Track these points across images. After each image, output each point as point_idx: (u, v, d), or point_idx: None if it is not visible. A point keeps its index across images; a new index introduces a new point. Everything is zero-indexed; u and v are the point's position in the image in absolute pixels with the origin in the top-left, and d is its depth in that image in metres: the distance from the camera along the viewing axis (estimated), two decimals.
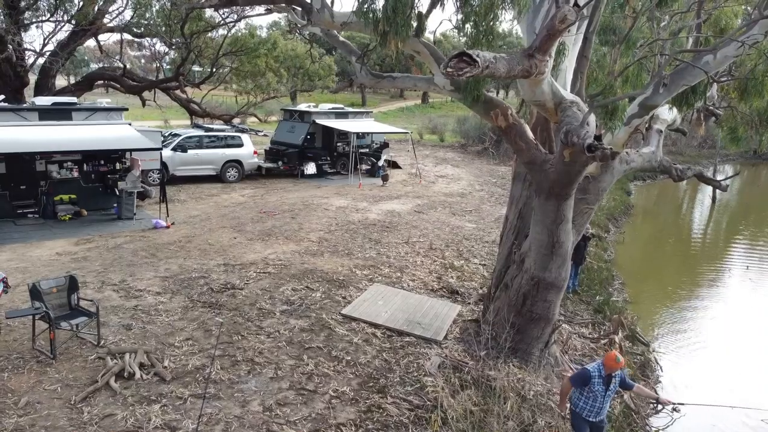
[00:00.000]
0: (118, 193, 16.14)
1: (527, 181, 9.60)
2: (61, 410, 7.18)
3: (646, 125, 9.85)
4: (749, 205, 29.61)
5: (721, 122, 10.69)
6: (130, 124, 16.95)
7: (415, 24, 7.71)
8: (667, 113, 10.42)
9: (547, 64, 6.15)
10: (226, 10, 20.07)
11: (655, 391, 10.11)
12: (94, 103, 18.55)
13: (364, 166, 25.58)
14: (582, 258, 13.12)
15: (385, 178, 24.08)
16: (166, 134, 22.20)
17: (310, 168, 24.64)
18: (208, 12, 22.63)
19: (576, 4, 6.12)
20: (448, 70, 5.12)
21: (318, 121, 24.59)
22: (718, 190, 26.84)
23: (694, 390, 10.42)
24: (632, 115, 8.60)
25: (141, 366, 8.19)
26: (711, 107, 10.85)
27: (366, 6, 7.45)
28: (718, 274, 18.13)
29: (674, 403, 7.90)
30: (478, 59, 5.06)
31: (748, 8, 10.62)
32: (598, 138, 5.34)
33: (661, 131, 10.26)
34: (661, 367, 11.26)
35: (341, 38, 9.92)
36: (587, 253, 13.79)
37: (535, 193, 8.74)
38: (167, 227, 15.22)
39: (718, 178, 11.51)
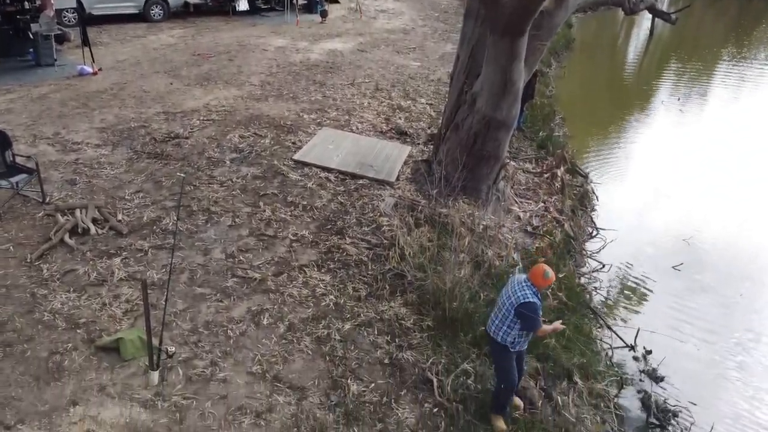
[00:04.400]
0: (32, 36, 14.63)
1: (480, 18, 9.26)
2: (17, 269, 7.10)
3: None
4: (684, 37, 29.97)
5: None
6: None
7: None
8: None
9: None
10: None
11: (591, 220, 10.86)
12: None
13: (301, 2, 23.88)
14: (530, 95, 13.20)
15: (324, 15, 22.69)
16: None
17: (243, 4, 22.80)
18: None
19: None
20: None
21: None
22: (657, 24, 26.93)
23: (624, 217, 11.27)
24: None
25: (94, 221, 8.05)
26: None
27: None
28: (651, 105, 18.78)
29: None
30: None
31: None
32: None
33: None
34: (597, 197, 12.02)
35: None
36: (535, 90, 13.84)
37: (489, 30, 8.50)
38: (94, 74, 14.14)
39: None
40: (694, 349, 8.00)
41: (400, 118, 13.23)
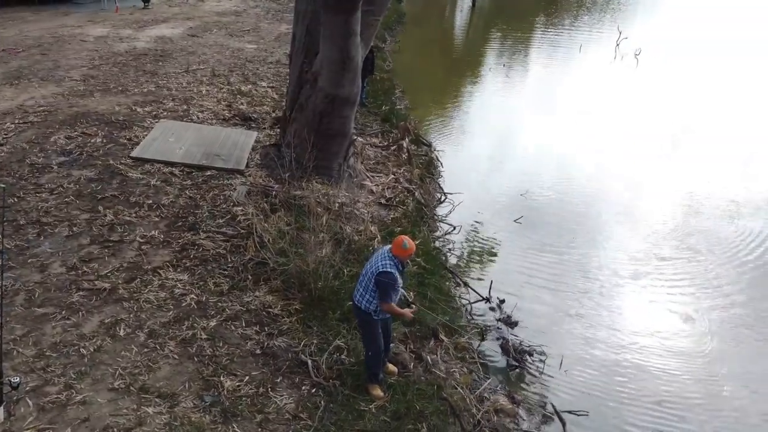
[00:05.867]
0: None
1: None
2: None
3: None
4: (501, 8, 32.24)
5: None
6: None
7: None
8: None
9: None
10: None
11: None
12: None
13: None
14: (370, 70, 13.45)
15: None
16: None
17: None
18: None
19: None
20: None
21: None
22: None
23: (468, 180, 11.99)
24: None
25: None
26: None
27: None
28: (480, 72, 20.04)
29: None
30: None
31: None
32: None
33: None
34: (441, 163, 12.65)
35: None
36: (375, 65, 14.14)
37: (322, 7, 8.51)
38: None
39: None
40: (540, 292, 8.79)
41: (242, 103, 12.87)
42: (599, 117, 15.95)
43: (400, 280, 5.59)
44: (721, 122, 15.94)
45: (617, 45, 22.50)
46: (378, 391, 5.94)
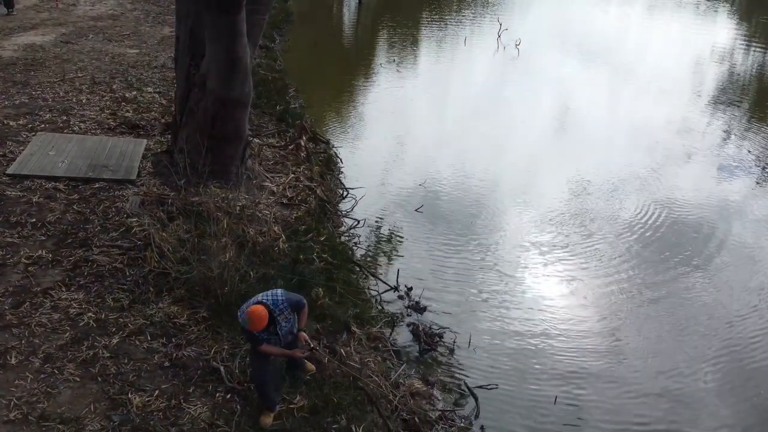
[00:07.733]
0: None
1: None
2: None
3: None
4: (387, 4, 32.76)
5: None
6: None
7: None
8: None
9: None
10: None
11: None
12: None
13: None
14: None
15: (9, 5, 19.60)
16: None
17: None
18: None
19: None
20: None
21: None
22: None
23: (368, 174, 12.17)
24: None
25: None
26: None
27: None
28: (372, 68, 20.28)
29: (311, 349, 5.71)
30: None
31: None
32: None
33: None
34: (341, 160, 12.75)
35: None
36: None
37: (205, 8, 8.32)
38: None
39: None
40: (445, 277, 9.12)
41: (128, 111, 12.27)
42: (490, 106, 16.68)
43: (258, 336, 5.16)
44: (598, 105, 17.17)
45: (499, 36, 23.50)
46: (265, 418, 5.55)
